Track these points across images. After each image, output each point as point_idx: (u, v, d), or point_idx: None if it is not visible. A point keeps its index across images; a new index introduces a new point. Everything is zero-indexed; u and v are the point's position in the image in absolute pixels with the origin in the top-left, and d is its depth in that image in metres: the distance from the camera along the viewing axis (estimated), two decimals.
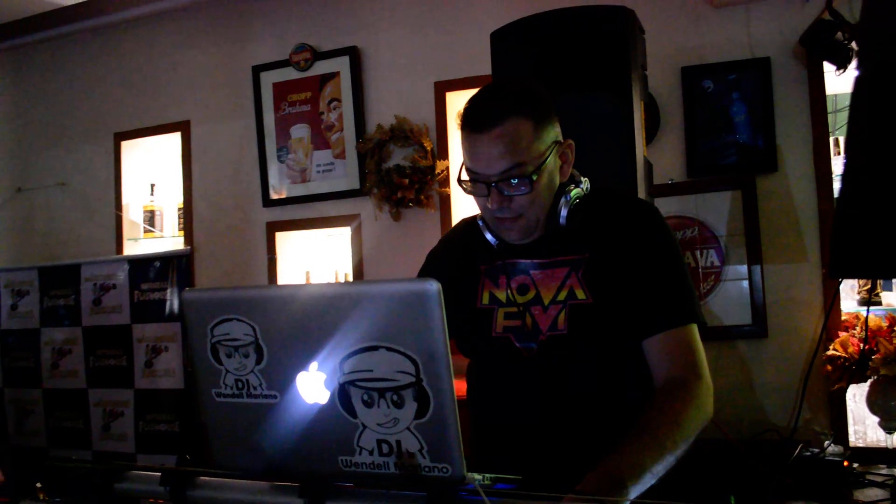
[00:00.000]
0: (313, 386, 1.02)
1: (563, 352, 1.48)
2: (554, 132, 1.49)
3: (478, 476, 0.98)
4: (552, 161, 1.48)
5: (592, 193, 1.58)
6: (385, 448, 1.00)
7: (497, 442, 1.58)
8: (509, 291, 1.55)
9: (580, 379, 1.50)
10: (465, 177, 1.50)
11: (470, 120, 1.45)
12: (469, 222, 1.71)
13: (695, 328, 1.47)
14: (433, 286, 0.92)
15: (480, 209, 1.55)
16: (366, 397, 0.99)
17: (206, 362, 1.09)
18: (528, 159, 1.42)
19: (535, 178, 1.43)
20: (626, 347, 1.49)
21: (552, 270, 1.53)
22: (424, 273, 1.72)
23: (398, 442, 0.99)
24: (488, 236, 1.57)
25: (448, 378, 0.94)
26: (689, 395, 1.38)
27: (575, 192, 1.53)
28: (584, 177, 1.59)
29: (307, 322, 1.01)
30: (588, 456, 1.26)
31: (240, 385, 1.07)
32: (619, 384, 1.51)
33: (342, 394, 1.00)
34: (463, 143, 1.48)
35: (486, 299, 1.58)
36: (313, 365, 1.01)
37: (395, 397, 0.97)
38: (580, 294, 1.49)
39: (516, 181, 1.43)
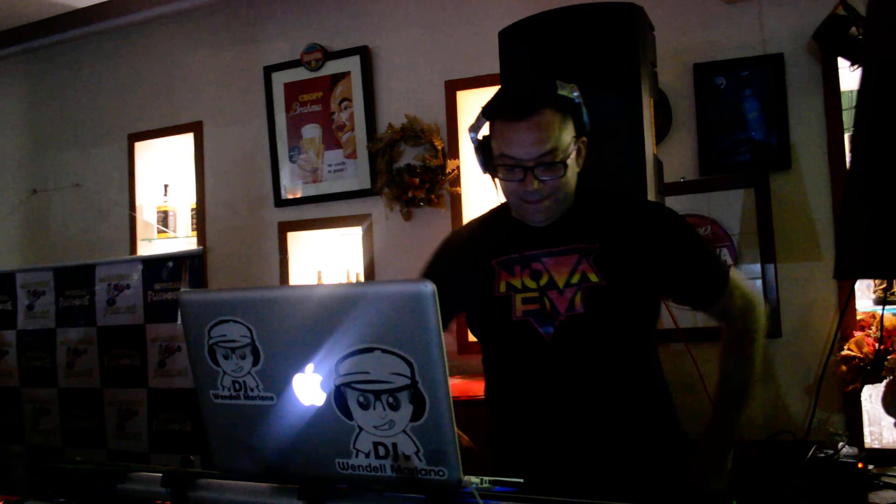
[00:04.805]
0: (310, 388, 1.02)
1: (581, 332, 1.58)
2: (575, 126, 1.62)
3: (475, 479, 0.97)
4: (575, 152, 1.62)
5: (595, 191, 1.70)
6: (381, 451, 0.99)
7: (519, 428, 1.66)
8: (524, 278, 1.63)
9: (598, 358, 1.59)
10: (492, 165, 1.64)
11: (506, 109, 1.58)
12: (481, 220, 1.83)
13: (732, 272, 1.70)
14: (428, 287, 0.92)
15: (507, 194, 1.65)
16: (362, 399, 0.98)
17: (203, 364, 1.09)
18: (559, 146, 1.56)
19: (566, 164, 1.57)
20: (639, 328, 1.62)
21: (563, 257, 1.62)
22: (433, 264, 1.80)
23: (394, 445, 0.98)
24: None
25: (443, 380, 0.93)
26: (753, 334, 1.68)
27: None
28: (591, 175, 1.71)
29: (303, 324, 1.00)
30: (610, 437, 1.48)
31: (237, 387, 1.07)
32: (634, 363, 1.61)
33: (338, 396, 1.00)
34: (496, 131, 1.61)
35: (503, 288, 1.65)
36: (309, 367, 1.01)
37: (390, 399, 0.96)
38: (593, 277, 1.58)
39: (550, 165, 1.56)
